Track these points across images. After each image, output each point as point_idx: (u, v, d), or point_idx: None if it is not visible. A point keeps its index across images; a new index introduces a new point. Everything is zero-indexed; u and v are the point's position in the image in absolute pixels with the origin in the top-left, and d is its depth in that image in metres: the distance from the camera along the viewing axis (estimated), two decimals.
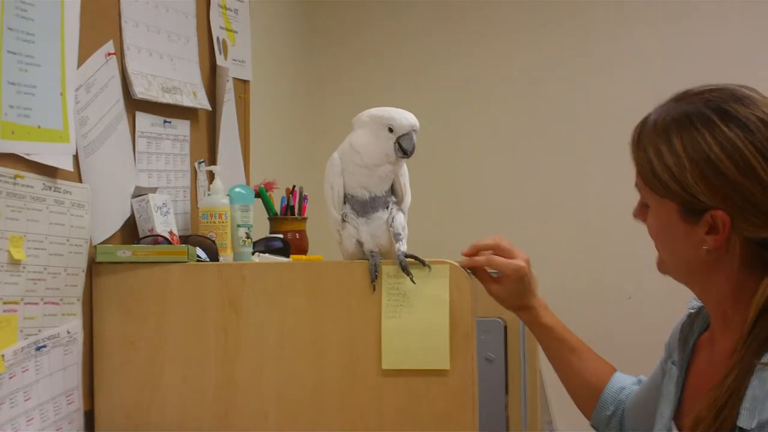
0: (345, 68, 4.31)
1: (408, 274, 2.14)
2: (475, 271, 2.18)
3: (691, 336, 1.94)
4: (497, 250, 2.15)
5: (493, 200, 4.16)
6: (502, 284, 2.17)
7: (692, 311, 1.97)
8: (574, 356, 2.17)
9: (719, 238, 1.72)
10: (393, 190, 2.24)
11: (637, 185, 1.85)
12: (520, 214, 4.13)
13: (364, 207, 2.21)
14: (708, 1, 4.08)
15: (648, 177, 1.79)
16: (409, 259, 2.16)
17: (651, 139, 1.77)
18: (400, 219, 2.22)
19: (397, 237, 2.19)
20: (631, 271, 4.00)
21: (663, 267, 1.89)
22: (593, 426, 2.19)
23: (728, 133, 1.69)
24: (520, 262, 2.13)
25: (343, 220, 2.22)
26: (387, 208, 2.22)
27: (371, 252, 2.20)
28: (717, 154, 1.69)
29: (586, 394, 2.19)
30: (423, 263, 2.15)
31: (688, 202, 1.73)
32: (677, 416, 1.87)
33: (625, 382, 2.17)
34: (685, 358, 1.92)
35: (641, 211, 1.86)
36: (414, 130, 2.17)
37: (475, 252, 2.17)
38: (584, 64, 4.14)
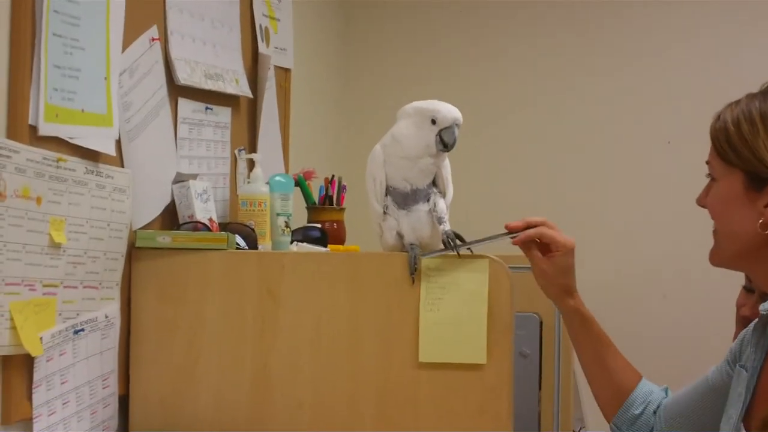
0: (384, 59, 4.29)
1: (455, 248, 2.13)
2: (525, 248, 2.13)
3: (764, 338, 1.91)
4: (545, 225, 2.13)
5: (529, 195, 4.12)
6: (551, 260, 2.11)
7: (764, 313, 1.94)
8: (609, 354, 2.15)
9: None
10: (435, 184, 2.23)
11: (708, 161, 1.86)
12: (556, 210, 4.08)
13: (405, 199, 2.20)
14: None
15: (721, 145, 1.81)
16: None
17: (731, 111, 1.81)
18: (443, 206, 2.21)
19: (440, 220, 2.19)
20: (667, 269, 3.97)
21: (716, 254, 1.87)
22: (615, 425, 2.15)
23: None
24: (569, 237, 2.12)
25: (385, 213, 2.22)
26: (428, 200, 2.21)
27: (411, 244, 2.19)
28: None
29: (613, 393, 2.16)
30: (463, 241, 2.16)
31: (755, 169, 1.76)
32: (746, 419, 1.85)
33: (653, 387, 2.16)
34: (758, 360, 1.89)
35: (705, 194, 1.87)
36: (456, 125, 2.16)
37: (524, 226, 2.13)
38: (625, 58, 4.10)
